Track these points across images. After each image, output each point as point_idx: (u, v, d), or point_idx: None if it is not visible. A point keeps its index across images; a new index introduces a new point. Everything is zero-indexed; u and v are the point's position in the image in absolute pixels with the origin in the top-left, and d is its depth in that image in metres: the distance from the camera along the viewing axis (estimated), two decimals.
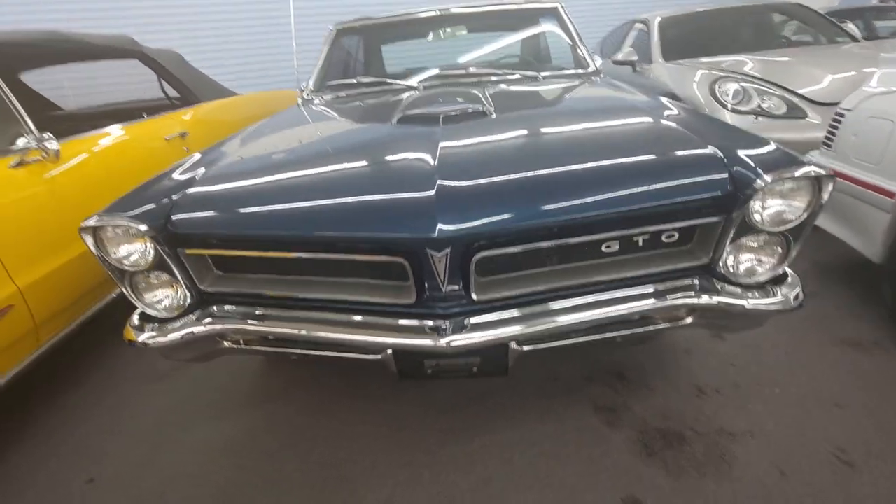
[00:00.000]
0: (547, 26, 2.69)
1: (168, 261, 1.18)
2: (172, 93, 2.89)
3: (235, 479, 1.42)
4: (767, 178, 1.03)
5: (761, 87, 2.74)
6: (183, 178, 1.34)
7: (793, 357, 1.69)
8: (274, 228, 1.11)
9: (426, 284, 1.11)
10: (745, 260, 1.17)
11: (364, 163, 1.29)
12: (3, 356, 1.48)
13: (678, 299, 1.16)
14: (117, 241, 1.16)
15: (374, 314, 1.19)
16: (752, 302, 1.13)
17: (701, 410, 1.49)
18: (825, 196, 1.05)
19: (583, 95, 1.91)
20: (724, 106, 2.78)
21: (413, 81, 2.33)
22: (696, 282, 1.19)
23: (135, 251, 1.17)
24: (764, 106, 2.67)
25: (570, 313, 1.16)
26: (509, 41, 2.83)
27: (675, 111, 1.51)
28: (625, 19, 4.97)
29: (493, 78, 2.28)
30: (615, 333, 1.24)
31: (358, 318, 1.19)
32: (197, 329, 1.24)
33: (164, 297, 1.27)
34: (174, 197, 1.23)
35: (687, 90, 3.08)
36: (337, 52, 2.73)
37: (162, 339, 1.24)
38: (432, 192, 1.05)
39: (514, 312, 1.16)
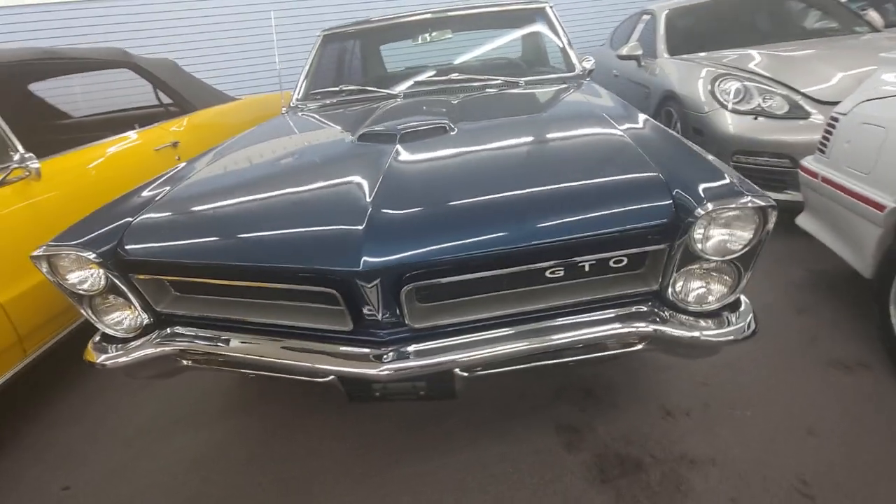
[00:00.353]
0: (534, 27, 2.62)
1: (120, 286, 1.22)
2: (168, 101, 2.94)
3: (201, 492, 1.47)
4: (708, 206, 0.98)
5: (764, 86, 2.61)
6: (139, 202, 1.37)
7: (771, 377, 1.63)
8: (212, 258, 1.13)
9: (363, 312, 1.11)
10: (694, 287, 1.13)
11: (308, 187, 1.29)
12: None
13: (623, 328, 1.13)
14: (69, 267, 1.20)
15: (318, 340, 1.20)
16: (700, 333, 1.09)
17: (666, 434, 1.45)
18: (770, 226, 1.00)
19: (551, 108, 1.87)
20: (725, 105, 2.67)
21: (395, 89, 2.32)
22: (645, 309, 1.16)
23: (87, 277, 1.21)
24: (765, 105, 2.54)
25: (513, 341, 1.14)
26: (498, 43, 2.78)
27: (639, 127, 1.45)
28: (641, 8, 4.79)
29: (476, 83, 2.24)
30: (562, 360, 1.22)
31: (302, 343, 1.20)
32: (150, 351, 1.27)
33: (122, 318, 1.31)
34: (128, 222, 1.26)
35: (692, 88, 2.95)
36: (325, 58, 2.73)
37: (119, 360, 1.28)
38: (361, 225, 1.04)
39: (456, 339, 1.15)
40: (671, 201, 1.04)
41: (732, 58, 3.05)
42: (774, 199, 1.00)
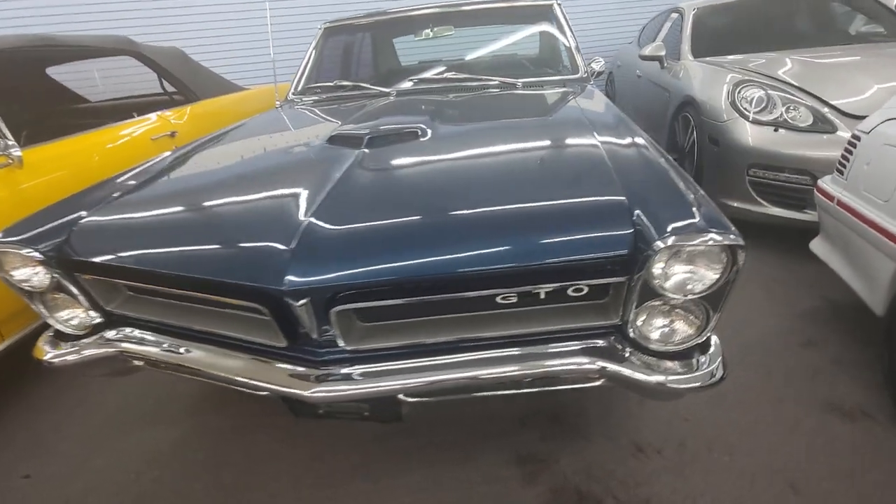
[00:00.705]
0: (539, 26, 2.50)
1: (66, 284, 1.19)
2: (172, 90, 2.95)
3: (149, 492, 1.45)
4: (668, 241, 0.87)
5: (789, 95, 2.41)
6: (97, 197, 1.35)
7: (760, 417, 1.49)
8: (150, 265, 1.09)
9: (297, 330, 1.05)
10: (658, 325, 1.02)
11: (257, 196, 1.23)
12: None
13: (574, 364, 1.03)
14: (14, 263, 1.18)
15: (257, 353, 1.15)
16: (657, 378, 0.98)
17: (633, 473, 1.35)
18: (739, 266, 0.88)
19: (537, 114, 1.75)
20: (745, 114, 2.48)
21: (389, 87, 2.25)
22: (603, 343, 1.06)
23: (32, 275, 1.19)
24: (788, 116, 2.35)
25: (457, 369, 1.06)
26: (505, 40, 2.67)
27: (622, 143, 1.32)
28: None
29: (473, 83, 2.15)
30: (515, 391, 1.13)
31: (242, 356, 1.16)
32: (96, 351, 1.25)
33: (73, 315, 1.29)
34: (76, 220, 1.24)
35: (712, 94, 2.76)
36: (326, 51, 2.68)
37: (68, 359, 1.26)
38: (292, 241, 0.98)
39: (397, 364, 1.08)
40: (631, 231, 0.93)
41: (760, 63, 2.84)
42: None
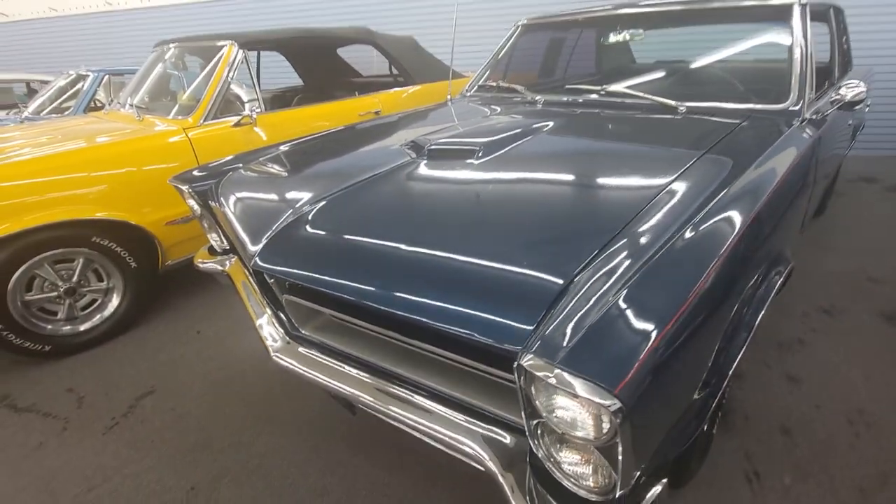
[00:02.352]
0: (769, 35, 1.88)
1: (207, 215, 1.68)
2: (397, 74, 3.47)
3: None
4: (526, 357, 0.66)
5: None
6: (252, 157, 1.78)
7: None
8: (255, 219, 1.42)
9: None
10: (568, 457, 0.79)
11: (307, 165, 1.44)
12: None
13: (467, 447, 0.90)
14: (184, 195, 1.72)
15: None
16: None
17: None
18: (617, 436, 0.60)
19: (638, 156, 1.38)
20: None
21: (543, 95, 2.14)
22: (508, 443, 0.89)
23: (191, 203, 1.71)
24: None
25: (374, 394, 1.07)
26: (725, 51, 2.12)
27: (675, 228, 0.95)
28: None
29: (629, 102, 1.85)
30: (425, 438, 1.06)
31: None
32: (211, 265, 1.73)
33: (215, 239, 1.81)
34: (229, 171, 1.69)
35: None
36: (520, 48, 2.68)
37: (207, 266, 1.80)
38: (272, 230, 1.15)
39: (335, 363, 1.16)
40: (533, 327, 0.74)
41: None
42: None
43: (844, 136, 2.37)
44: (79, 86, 4.26)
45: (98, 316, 2.18)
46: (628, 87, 1.89)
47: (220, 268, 1.69)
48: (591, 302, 0.73)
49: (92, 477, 1.49)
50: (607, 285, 0.76)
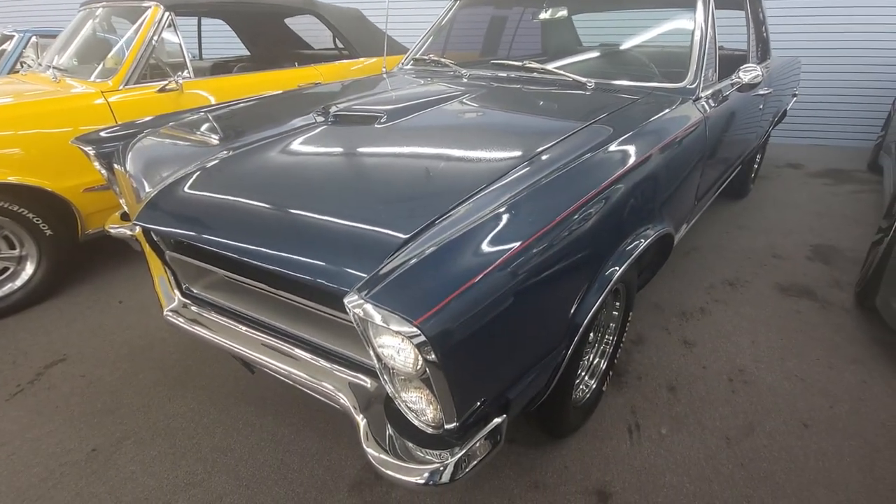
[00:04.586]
0: (680, 21, 1.96)
1: (113, 179, 1.65)
2: (341, 46, 3.42)
3: None
4: (353, 297, 0.71)
5: None
6: (161, 123, 1.76)
7: None
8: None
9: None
10: (412, 396, 0.85)
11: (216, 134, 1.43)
12: None
13: (330, 390, 0.95)
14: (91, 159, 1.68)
15: None
16: (371, 452, 0.84)
17: None
18: (428, 366, 0.66)
19: (538, 124, 1.45)
20: None
21: (470, 68, 2.17)
22: (369, 386, 0.94)
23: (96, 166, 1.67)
24: None
25: (248, 346, 1.11)
26: (646, 34, 2.21)
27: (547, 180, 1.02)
28: None
29: (550, 77, 1.91)
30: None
31: None
32: (122, 231, 1.70)
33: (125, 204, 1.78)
34: (134, 136, 1.66)
35: None
36: (456, 23, 2.70)
37: (119, 231, 1.77)
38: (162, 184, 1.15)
39: (219, 318, 1.19)
40: (369, 274, 0.78)
41: None
42: None
43: (755, 122, 2.51)
44: (3, 46, 4.01)
45: (9, 285, 2.11)
46: (548, 65, 1.95)
47: (129, 232, 1.66)
48: (421, 251, 0.79)
49: None
50: (441, 237, 0.81)
